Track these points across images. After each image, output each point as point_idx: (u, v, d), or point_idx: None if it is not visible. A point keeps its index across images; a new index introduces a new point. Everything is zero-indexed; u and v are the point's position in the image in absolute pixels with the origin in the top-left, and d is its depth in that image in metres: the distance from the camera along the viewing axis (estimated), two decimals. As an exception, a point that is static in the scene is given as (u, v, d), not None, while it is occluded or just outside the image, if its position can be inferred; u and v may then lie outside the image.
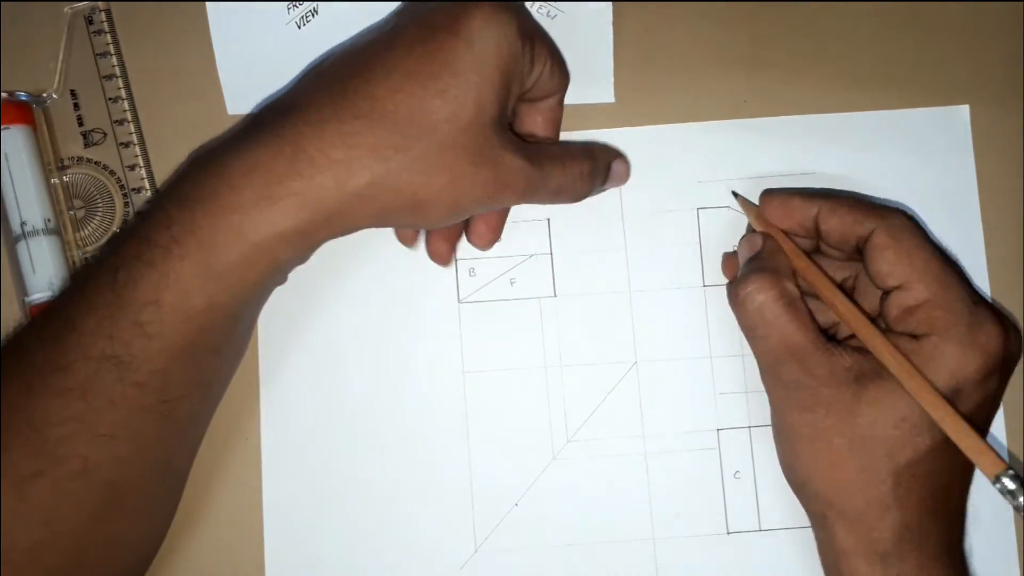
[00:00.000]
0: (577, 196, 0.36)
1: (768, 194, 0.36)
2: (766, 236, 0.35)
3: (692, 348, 0.38)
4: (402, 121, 0.30)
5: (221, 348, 0.33)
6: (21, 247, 0.37)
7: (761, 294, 0.32)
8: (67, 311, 0.30)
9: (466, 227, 0.36)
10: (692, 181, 0.38)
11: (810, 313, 0.33)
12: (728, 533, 0.37)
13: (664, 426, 0.37)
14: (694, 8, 0.39)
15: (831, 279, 0.34)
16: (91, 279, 0.30)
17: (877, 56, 0.39)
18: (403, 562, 0.37)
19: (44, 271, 0.37)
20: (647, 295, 0.38)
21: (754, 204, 0.37)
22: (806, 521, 0.35)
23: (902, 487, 0.31)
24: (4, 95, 0.38)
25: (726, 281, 0.38)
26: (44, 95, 0.38)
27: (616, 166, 0.37)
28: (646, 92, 0.39)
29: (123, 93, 0.39)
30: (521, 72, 0.32)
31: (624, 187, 0.38)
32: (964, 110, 0.39)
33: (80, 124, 0.38)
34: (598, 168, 0.36)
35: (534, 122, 0.36)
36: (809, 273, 0.34)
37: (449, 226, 0.36)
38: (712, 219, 0.38)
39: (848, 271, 0.36)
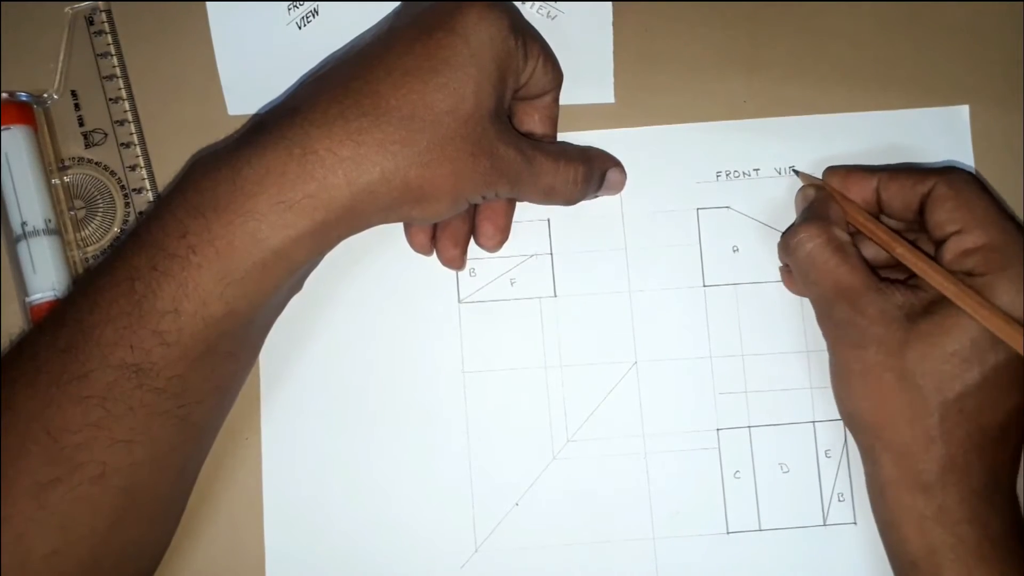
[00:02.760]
0: (569, 199, 0.36)
1: (830, 169, 0.37)
2: (817, 188, 0.36)
3: (692, 348, 0.38)
4: (406, 116, 0.30)
5: (237, 352, 0.33)
6: (22, 247, 0.37)
7: (810, 241, 0.34)
8: (82, 321, 0.30)
9: (474, 230, 0.37)
10: (692, 181, 0.39)
11: (861, 256, 0.34)
12: (728, 533, 0.37)
13: (664, 426, 0.37)
14: (694, 8, 0.39)
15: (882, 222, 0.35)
16: (105, 288, 0.30)
17: (877, 56, 0.39)
18: (403, 562, 0.37)
19: (45, 271, 0.37)
20: (647, 295, 0.38)
21: (816, 178, 0.37)
22: (806, 521, 0.35)
23: (949, 421, 0.31)
24: (5, 95, 0.38)
25: (725, 281, 0.38)
26: (45, 95, 0.38)
27: (612, 174, 0.37)
28: (646, 92, 0.39)
29: (124, 93, 0.39)
30: (516, 66, 0.33)
31: (624, 188, 0.38)
32: (964, 110, 0.39)
33: (81, 124, 0.38)
34: (592, 173, 0.36)
35: (532, 120, 0.37)
36: (860, 216, 0.35)
37: (455, 225, 0.36)
38: (712, 219, 0.38)
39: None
